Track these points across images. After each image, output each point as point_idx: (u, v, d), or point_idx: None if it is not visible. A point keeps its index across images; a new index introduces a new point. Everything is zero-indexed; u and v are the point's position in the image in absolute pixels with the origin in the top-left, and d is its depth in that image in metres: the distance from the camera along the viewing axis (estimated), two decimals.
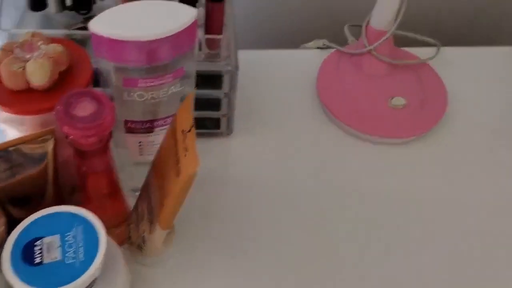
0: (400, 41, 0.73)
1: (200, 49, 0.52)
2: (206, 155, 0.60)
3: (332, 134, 0.64)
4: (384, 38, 0.64)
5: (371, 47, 0.65)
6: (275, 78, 0.70)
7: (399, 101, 0.64)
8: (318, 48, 0.76)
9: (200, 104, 0.57)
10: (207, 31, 0.51)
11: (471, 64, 0.76)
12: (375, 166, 0.61)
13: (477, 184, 0.61)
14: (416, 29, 0.77)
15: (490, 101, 0.71)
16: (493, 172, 0.62)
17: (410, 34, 0.75)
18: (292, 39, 0.80)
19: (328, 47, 0.74)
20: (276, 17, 0.87)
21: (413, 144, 0.63)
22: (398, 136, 0.62)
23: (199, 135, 0.61)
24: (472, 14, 0.90)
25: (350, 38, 0.74)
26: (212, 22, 0.51)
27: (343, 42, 0.75)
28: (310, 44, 0.76)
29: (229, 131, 0.61)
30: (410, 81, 0.68)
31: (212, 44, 0.52)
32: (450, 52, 0.77)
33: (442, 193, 0.59)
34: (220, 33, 0.51)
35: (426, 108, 0.65)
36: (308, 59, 0.73)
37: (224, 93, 0.56)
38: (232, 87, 0.55)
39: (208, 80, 0.55)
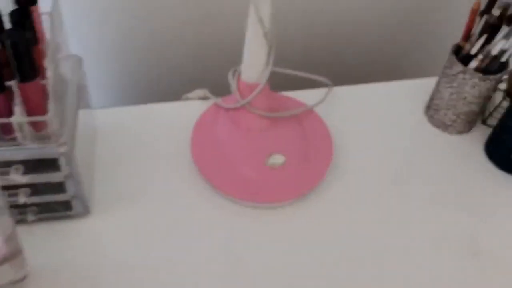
0: (292, 81, 0.69)
1: (22, 133, 0.44)
2: (57, 242, 0.53)
3: (211, 201, 0.58)
4: (256, 91, 0.59)
5: (245, 101, 0.60)
6: (148, 139, 0.64)
7: (277, 159, 0.59)
8: (200, 99, 0.70)
9: (43, 188, 0.50)
10: (28, 113, 0.44)
11: (362, 103, 0.72)
12: (254, 233, 0.56)
13: (369, 240, 0.56)
14: (311, 68, 0.73)
15: (378, 145, 0.66)
16: (386, 223, 0.57)
17: (301, 74, 0.71)
18: (176, 89, 0.74)
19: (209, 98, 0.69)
20: (157, 65, 0.81)
21: (295, 206, 0.58)
22: (274, 200, 0.57)
23: (50, 219, 0.55)
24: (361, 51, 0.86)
25: (233, 86, 0.69)
26: (31, 103, 0.44)
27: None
28: (192, 94, 0.70)
29: (85, 211, 0.54)
30: (293, 134, 0.62)
31: (37, 126, 0.45)
32: (342, 92, 0.73)
33: (330, 256, 0.54)
34: (43, 112, 0.44)
35: (309, 164, 0.60)
36: (188, 113, 0.67)
37: (64, 175, 0.49)
38: (73, 167, 0.48)
39: (44, 163, 0.48)
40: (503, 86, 0.67)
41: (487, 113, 0.70)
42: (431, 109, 0.70)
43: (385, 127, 0.69)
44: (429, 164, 0.65)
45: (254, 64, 0.57)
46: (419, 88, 0.74)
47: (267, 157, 0.59)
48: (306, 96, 0.69)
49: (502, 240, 0.58)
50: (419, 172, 0.64)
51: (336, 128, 0.66)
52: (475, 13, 0.61)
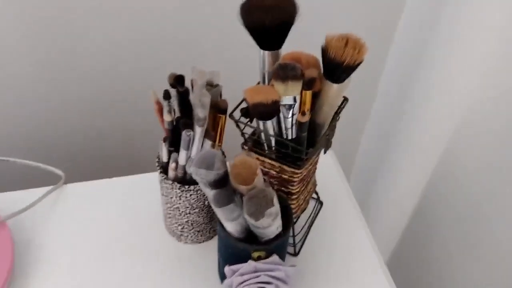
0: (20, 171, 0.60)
1: None
2: None
3: None
4: None
5: None
6: None
7: None
8: None
9: None
10: None
11: (91, 204, 0.61)
12: None
13: None
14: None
15: (92, 267, 0.55)
16: None
17: (31, 163, 0.62)
18: None
19: None
20: None
21: None
22: None
23: None
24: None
25: None
26: None
27: None
28: None
29: None
30: None
31: None
32: (72, 190, 0.63)
33: None
34: None
35: None
36: None
37: None
38: None
39: None
40: None
41: None
42: (163, 215, 0.59)
43: (118, 238, 0.58)
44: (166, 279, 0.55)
45: None
46: None
47: None
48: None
49: None
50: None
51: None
52: (159, 113, 0.49)
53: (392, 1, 0.72)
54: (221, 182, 0.41)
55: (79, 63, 0.67)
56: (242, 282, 0.47)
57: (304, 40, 0.45)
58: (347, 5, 0.70)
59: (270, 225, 0.41)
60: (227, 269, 0.47)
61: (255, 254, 0.47)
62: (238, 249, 0.47)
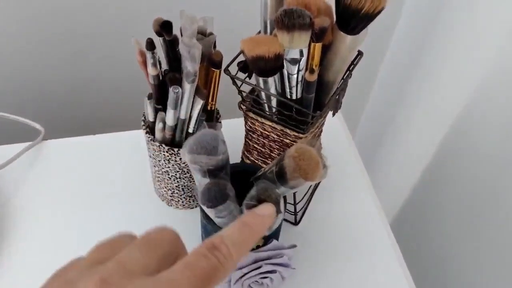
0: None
1: None
2: None
3: None
4: None
5: None
6: None
7: None
8: None
9: None
10: None
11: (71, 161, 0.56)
12: None
13: None
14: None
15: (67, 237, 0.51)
16: None
17: (9, 116, 0.56)
18: None
19: None
20: None
21: None
22: None
23: None
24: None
25: None
26: None
27: None
28: None
29: None
30: None
31: None
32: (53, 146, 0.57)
33: None
34: None
35: None
36: None
37: None
38: None
39: None
40: None
41: None
42: (152, 178, 0.53)
43: (101, 200, 0.53)
44: None
45: None
46: None
47: None
48: None
49: None
50: None
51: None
52: (143, 66, 0.43)
53: None
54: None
55: (59, 13, 0.60)
56: (242, 276, 0.42)
57: None
58: None
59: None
60: None
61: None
62: None
